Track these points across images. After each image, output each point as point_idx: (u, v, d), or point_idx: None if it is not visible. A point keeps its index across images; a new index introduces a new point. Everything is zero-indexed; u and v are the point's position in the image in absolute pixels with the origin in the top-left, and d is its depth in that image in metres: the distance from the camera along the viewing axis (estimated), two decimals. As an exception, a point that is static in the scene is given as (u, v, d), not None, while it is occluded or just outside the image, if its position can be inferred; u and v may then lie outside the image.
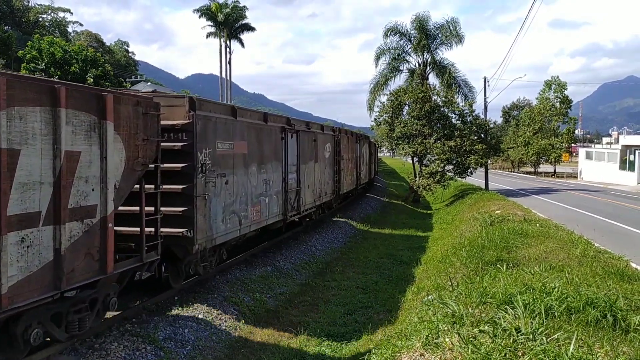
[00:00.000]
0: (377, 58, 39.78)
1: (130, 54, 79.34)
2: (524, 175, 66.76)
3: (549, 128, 62.54)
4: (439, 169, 30.57)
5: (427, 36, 37.70)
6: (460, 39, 37.90)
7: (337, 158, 20.59)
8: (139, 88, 52.58)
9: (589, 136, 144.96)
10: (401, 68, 39.82)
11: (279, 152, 13.59)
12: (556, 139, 60.82)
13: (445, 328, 5.73)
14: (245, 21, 62.58)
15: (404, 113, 32.75)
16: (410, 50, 38.99)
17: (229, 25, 60.67)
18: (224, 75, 61.85)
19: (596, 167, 54.37)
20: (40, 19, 65.74)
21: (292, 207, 14.65)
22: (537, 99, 67.19)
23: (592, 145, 77.63)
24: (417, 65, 39.11)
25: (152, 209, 8.27)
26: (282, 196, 13.81)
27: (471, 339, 5.22)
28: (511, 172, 74.38)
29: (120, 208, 7.58)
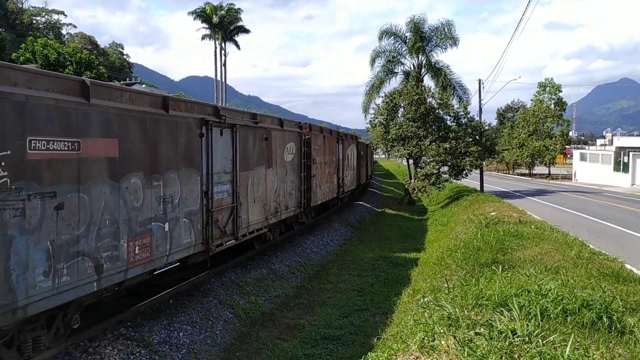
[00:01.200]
0: (373, 61, 39.93)
1: (124, 56, 79.12)
2: (519, 177, 66.96)
3: (544, 130, 62.80)
4: (434, 171, 30.63)
5: (422, 38, 37.84)
6: (454, 41, 38.08)
7: (307, 162, 17.01)
8: (133, 90, 52.35)
9: (583, 138, 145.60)
10: (396, 70, 39.99)
11: (195, 154, 9.68)
12: (550, 141, 61.06)
13: (441, 330, 5.72)
14: (240, 23, 62.72)
15: (399, 115, 32.82)
16: (405, 52, 39.14)
17: (224, 27, 60.74)
18: (219, 78, 61.86)
19: (590, 168, 54.59)
20: (34, 21, 65.47)
21: (222, 232, 10.74)
22: (532, 100, 67.53)
23: (587, 147, 77.96)
24: (412, 68, 39.25)
25: None
26: (201, 218, 9.87)
27: (467, 341, 5.21)
28: (506, 173, 74.59)
29: None
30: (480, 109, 36.56)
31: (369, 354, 6.36)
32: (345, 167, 24.74)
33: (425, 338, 5.65)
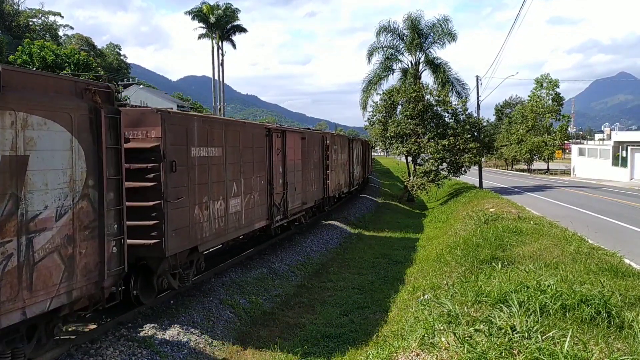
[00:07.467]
0: (370, 55, 39.87)
1: (122, 57, 78.98)
2: (518, 172, 66.99)
3: (542, 125, 62.76)
4: (433, 168, 30.65)
5: (419, 35, 37.84)
6: (453, 37, 38.10)
7: None
8: (131, 91, 52.42)
9: (581, 133, 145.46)
10: (394, 67, 39.97)
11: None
12: (549, 136, 61.05)
13: (441, 327, 5.75)
14: (237, 23, 62.57)
15: (397, 112, 32.84)
16: (403, 49, 39.16)
17: (221, 27, 60.61)
18: (216, 77, 61.77)
19: (589, 163, 54.63)
20: (30, 23, 65.34)
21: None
22: (529, 96, 67.45)
23: (585, 142, 77.96)
24: (410, 65, 39.25)
25: None
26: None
27: (467, 338, 5.23)
28: (505, 169, 74.61)
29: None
30: (479, 105, 36.58)
31: (370, 351, 6.39)
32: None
33: (426, 335, 5.68)
